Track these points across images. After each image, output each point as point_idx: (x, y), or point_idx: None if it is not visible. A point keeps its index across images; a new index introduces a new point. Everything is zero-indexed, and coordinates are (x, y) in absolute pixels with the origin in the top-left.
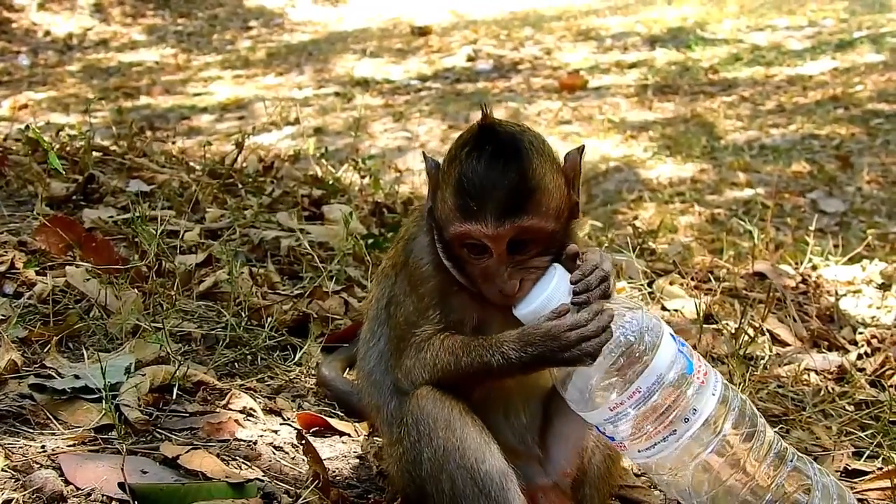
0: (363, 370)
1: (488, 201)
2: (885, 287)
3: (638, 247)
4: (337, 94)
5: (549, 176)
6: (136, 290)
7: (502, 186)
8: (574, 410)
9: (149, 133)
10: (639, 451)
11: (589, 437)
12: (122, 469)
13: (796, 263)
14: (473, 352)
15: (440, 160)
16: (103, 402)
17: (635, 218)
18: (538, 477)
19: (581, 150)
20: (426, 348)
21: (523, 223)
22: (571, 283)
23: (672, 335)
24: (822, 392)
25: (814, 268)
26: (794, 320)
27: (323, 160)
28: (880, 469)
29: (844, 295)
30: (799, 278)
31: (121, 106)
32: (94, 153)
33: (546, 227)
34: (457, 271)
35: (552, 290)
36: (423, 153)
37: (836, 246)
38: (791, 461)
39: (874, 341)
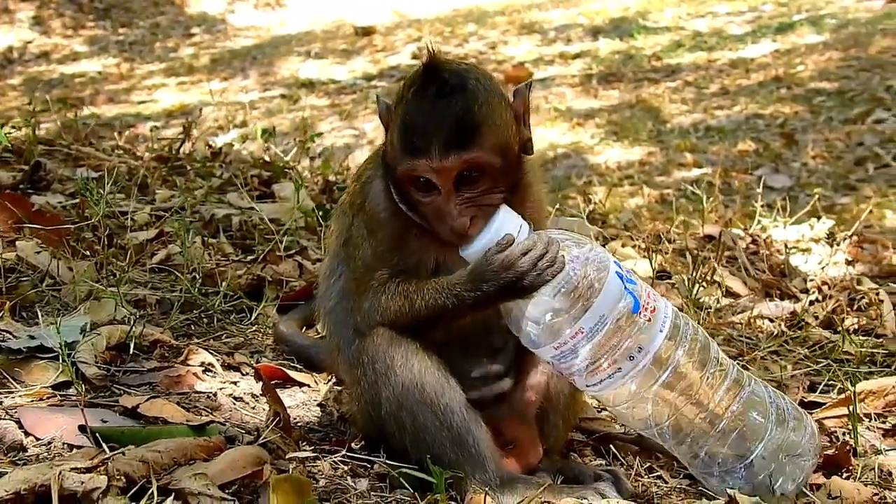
0: (324, 308)
1: (432, 135)
2: (832, 241)
3: (588, 213)
4: (283, 96)
5: (496, 111)
6: (88, 261)
7: (446, 120)
8: (526, 347)
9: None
10: (588, 386)
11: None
12: (83, 412)
13: (745, 227)
14: (427, 294)
15: (380, 103)
16: (60, 359)
17: (587, 196)
18: (503, 407)
19: (529, 85)
20: (382, 292)
21: (469, 156)
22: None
23: (620, 273)
24: (776, 335)
25: (763, 229)
26: (747, 272)
27: (271, 144)
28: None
29: (794, 252)
30: (749, 239)
31: (66, 115)
32: (40, 146)
33: (493, 162)
34: (412, 213)
35: (498, 229)
36: (377, 95)
37: (783, 208)
38: (748, 386)
39: (825, 288)
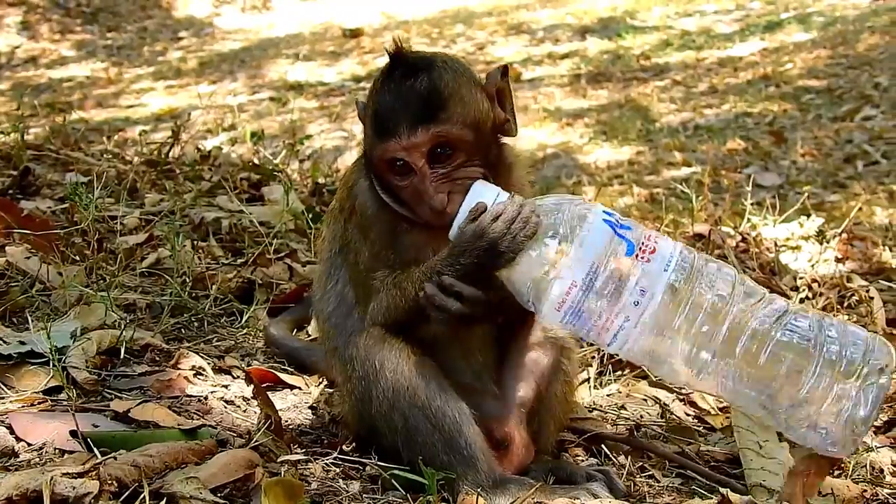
0: (322, 312)
1: (400, 114)
2: (822, 238)
3: None
4: (272, 98)
5: (463, 87)
6: (78, 266)
7: (412, 98)
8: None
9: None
10: (609, 345)
11: (546, 368)
12: (74, 417)
13: (735, 226)
14: (416, 279)
15: (358, 102)
16: (51, 364)
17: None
18: (494, 409)
19: (504, 69)
20: (382, 290)
21: (436, 129)
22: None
23: (608, 220)
24: None
25: (753, 227)
26: (739, 271)
27: (260, 147)
28: None
29: (784, 250)
30: (739, 237)
31: (55, 120)
32: (29, 151)
33: (463, 135)
34: (396, 205)
35: (474, 202)
36: (356, 99)
37: (773, 206)
38: (789, 315)
39: (815, 286)
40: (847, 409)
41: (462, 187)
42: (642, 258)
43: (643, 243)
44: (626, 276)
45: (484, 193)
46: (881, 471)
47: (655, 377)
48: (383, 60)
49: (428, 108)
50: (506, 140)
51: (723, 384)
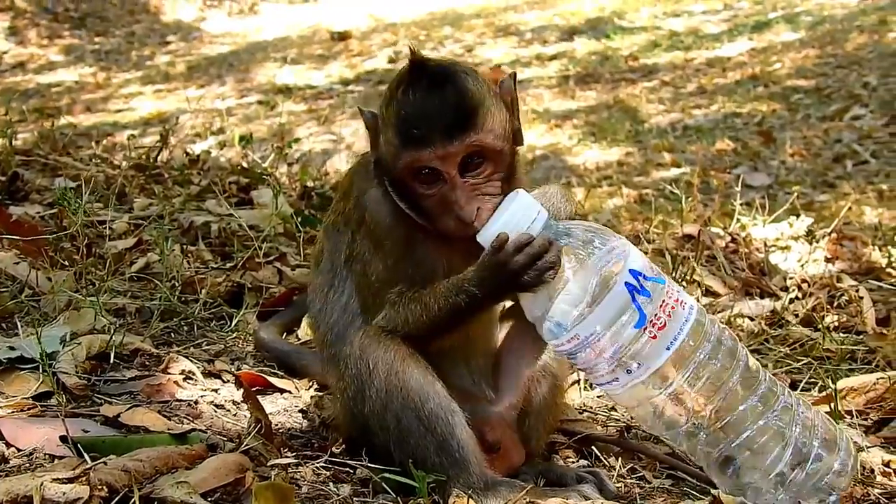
0: (324, 323)
1: (434, 123)
2: (811, 238)
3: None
4: (260, 102)
5: (487, 97)
6: (67, 271)
7: (445, 107)
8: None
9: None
10: (596, 385)
11: (535, 369)
12: (64, 422)
13: (725, 226)
14: (441, 296)
15: (367, 113)
16: (40, 369)
17: None
18: (485, 411)
19: (513, 76)
20: (399, 304)
21: (472, 139)
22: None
23: (631, 284)
24: (756, 333)
25: (742, 227)
26: (726, 272)
27: (248, 151)
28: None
29: (773, 250)
30: (728, 238)
31: (43, 125)
32: (18, 156)
33: (495, 145)
34: (415, 213)
35: (514, 212)
36: (359, 107)
37: (762, 206)
38: (778, 403)
39: (804, 286)
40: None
41: (490, 202)
42: (650, 332)
43: (656, 315)
44: (629, 346)
45: (527, 207)
46: (872, 471)
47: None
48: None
49: (462, 118)
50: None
51: (687, 446)
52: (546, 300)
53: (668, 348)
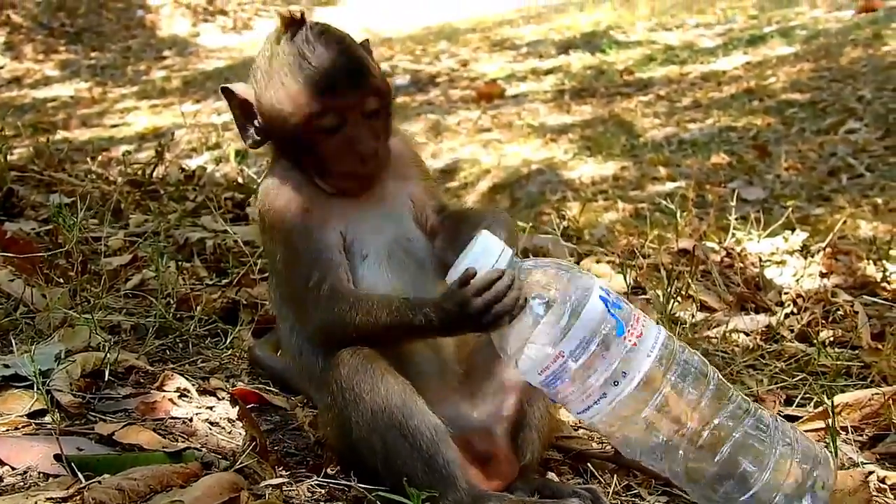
0: (292, 349)
1: (344, 71)
2: (807, 253)
3: (562, 230)
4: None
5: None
6: (62, 288)
7: (349, 56)
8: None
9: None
10: (578, 413)
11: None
12: (58, 441)
13: (720, 241)
14: (395, 311)
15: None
16: (35, 387)
17: (561, 213)
18: (471, 421)
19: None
20: (336, 300)
21: (377, 85)
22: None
23: (604, 297)
24: (752, 349)
25: (737, 242)
26: (721, 287)
27: (244, 166)
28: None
29: (769, 265)
30: (724, 252)
31: (38, 140)
32: (12, 172)
33: (388, 93)
34: (311, 169)
35: (474, 254)
36: (224, 86)
37: (757, 220)
38: (752, 415)
39: (799, 301)
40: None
41: (385, 149)
42: (630, 340)
43: (632, 325)
44: (613, 355)
45: (489, 248)
46: (867, 486)
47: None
48: None
49: (363, 67)
50: None
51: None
52: (526, 331)
53: (649, 355)
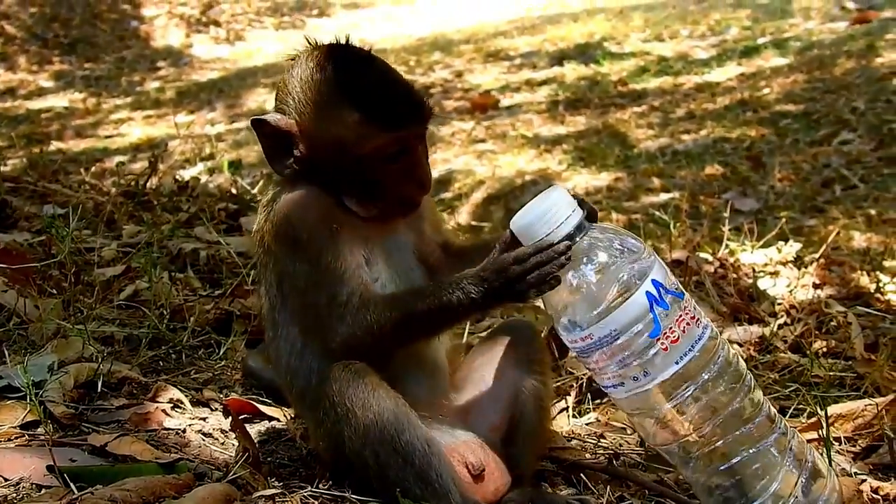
0: (280, 364)
1: (407, 100)
2: (800, 264)
3: None
4: (250, 128)
5: None
6: (55, 299)
7: (405, 85)
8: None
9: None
10: (603, 386)
11: (520, 393)
12: (51, 452)
13: (713, 252)
14: (431, 296)
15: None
16: (28, 398)
17: None
18: (463, 434)
19: None
20: (369, 306)
21: (432, 112)
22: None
23: (651, 294)
24: (745, 360)
25: (731, 253)
26: (714, 298)
27: (237, 177)
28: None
29: (762, 276)
30: (717, 263)
31: (32, 151)
32: (6, 183)
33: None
34: (359, 194)
35: (545, 208)
36: (256, 118)
37: (751, 231)
38: (775, 432)
39: (793, 311)
40: None
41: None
42: (662, 344)
43: (671, 329)
44: (640, 354)
45: (564, 205)
46: (861, 497)
47: None
48: None
49: (419, 95)
50: None
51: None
52: (567, 296)
53: (677, 363)
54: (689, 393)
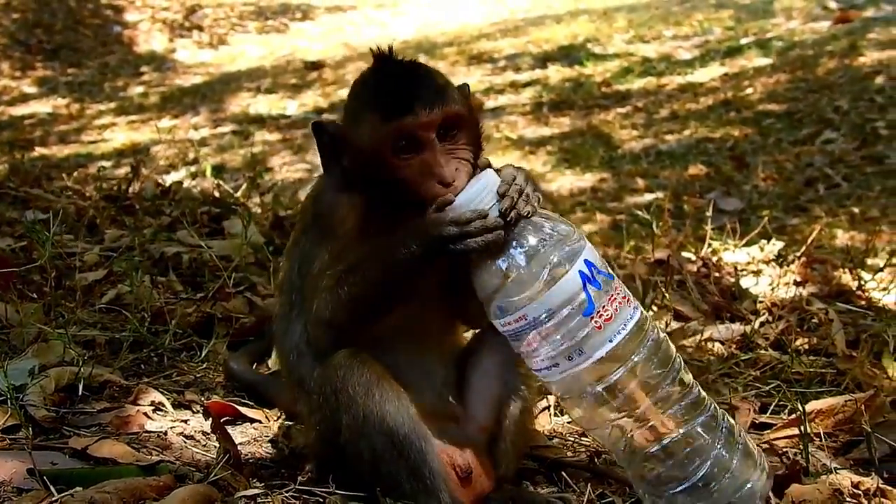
0: (286, 346)
1: (414, 93)
2: (783, 262)
3: None
4: (234, 132)
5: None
6: (36, 303)
7: (421, 80)
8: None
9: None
10: (534, 370)
11: (504, 394)
12: (31, 455)
13: (696, 251)
14: (381, 255)
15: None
16: (8, 402)
17: None
18: (455, 435)
19: (466, 86)
20: (336, 287)
21: (449, 108)
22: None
23: (584, 273)
24: (727, 357)
25: (714, 252)
26: (696, 297)
27: (220, 181)
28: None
29: (745, 274)
30: (700, 262)
31: (14, 157)
32: None
33: (466, 115)
34: (387, 195)
35: (475, 190)
36: (313, 123)
37: (733, 230)
38: (704, 413)
39: (774, 309)
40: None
41: (466, 166)
42: (595, 322)
43: (604, 307)
44: (573, 333)
45: (493, 186)
46: (841, 493)
47: None
48: (345, 92)
49: (437, 89)
50: None
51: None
52: (498, 280)
53: (611, 340)
54: (619, 375)
